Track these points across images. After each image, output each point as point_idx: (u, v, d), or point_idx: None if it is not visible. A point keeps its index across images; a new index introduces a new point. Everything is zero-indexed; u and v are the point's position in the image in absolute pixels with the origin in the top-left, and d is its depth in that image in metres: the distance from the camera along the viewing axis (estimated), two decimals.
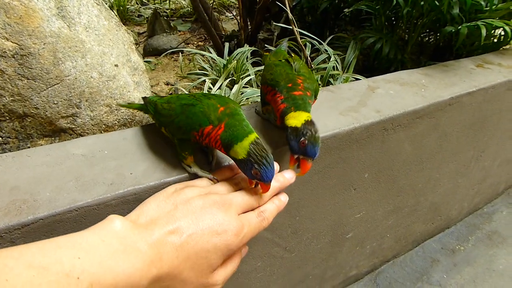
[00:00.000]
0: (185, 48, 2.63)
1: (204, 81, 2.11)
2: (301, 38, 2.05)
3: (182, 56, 2.50)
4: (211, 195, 0.84)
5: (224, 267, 0.83)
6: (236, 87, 1.83)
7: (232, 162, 1.00)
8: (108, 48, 1.43)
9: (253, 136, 0.86)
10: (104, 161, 1.03)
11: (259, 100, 1.67)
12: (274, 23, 2.46)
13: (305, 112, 1.00)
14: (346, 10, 2.58)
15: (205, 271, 0.77)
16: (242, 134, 0.86)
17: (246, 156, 0.84)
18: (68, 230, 0.90)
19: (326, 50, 2.10)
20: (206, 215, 0.78)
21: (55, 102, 1.32)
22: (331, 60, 2.03)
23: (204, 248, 0.76)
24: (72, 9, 1.35)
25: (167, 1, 3.32)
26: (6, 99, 1.27)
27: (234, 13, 3.45)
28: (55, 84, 1.30)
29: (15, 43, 1.23)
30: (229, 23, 3.24)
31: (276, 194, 0.96)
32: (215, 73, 2.20)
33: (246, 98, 1.76)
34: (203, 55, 2.38)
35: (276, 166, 0.96)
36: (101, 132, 1.43)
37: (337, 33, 2.56)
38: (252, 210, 0.89)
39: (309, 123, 0.97)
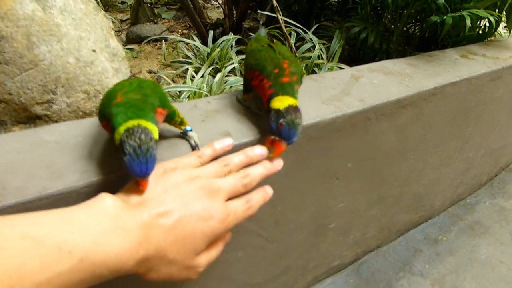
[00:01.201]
0: (169, 36, 2.58)
1: (188, 69, 2.07)
2: (286, 27, 2.02)
3: (165, 44, 2.45)
4: (200, 179, 0.86)
5: (208, 252, 0.87)
6: (219, 75, 1.80)
7: (222, 143, 1.02)
8: (85, 33, 1.39)
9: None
10: (77, 149, 0.99)
11: (241, 88, 1.65)
12: (259, 11, 2.42)
13: (292, 97, 0.99)
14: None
15: (190, 254, 0.80)
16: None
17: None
18: None
19: (311, 39, 2.08)
20: (194, 200, 0.81)
21: (30, 87, 1.28)
22: (316, 49, 2.00)
23: (191, 232, 0.79)
24: None
25: None
26: None
27: (220, 1, 3.40)
28: (29, 69, 1.26)
29: None
30: (215, 12, 3.19)
31: (262, 186, 1.00)
32: (199, 62, 2.17)
33: (230, 87, 1.73)
34: (187, 44, 2.34)
35: (263, 150, 1.00)
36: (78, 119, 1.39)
37: (323, 22, 2.53)
38: (239, 195, 0.92)
39: (293, 108, 0.97)
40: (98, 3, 2.59)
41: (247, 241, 1.40)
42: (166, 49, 2.41)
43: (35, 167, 0.92)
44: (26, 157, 0.95)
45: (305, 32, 2.12)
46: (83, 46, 1.36)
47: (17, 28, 1.22)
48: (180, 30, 2.81)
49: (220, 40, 2.17)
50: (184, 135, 1.04)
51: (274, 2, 1.90)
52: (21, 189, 0.86)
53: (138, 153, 0.74)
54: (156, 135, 0.78)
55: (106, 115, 0.82)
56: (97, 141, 1.03)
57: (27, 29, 1.23)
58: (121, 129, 0.76)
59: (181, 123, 1.01)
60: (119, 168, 0.94)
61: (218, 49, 2.04)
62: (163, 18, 2.92)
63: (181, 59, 2.25)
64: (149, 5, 2.86)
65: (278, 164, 1.02)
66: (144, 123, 0.77)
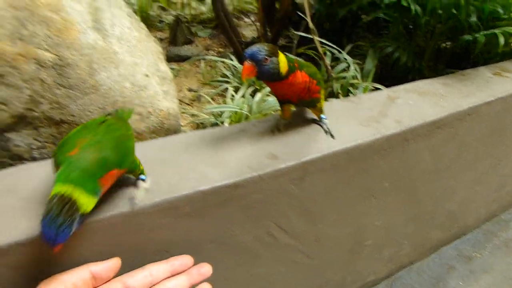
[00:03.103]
0: (207, 55, 2.69)
1: (227, 88, 2.17)
2: (321, 47, 2.10)
3: (204, 63, 2.56)
4: None
5: None
6: (259, 95, 1.89)
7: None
8: (139, 59, 1.50)
9: None
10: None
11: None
12: (293, 31, 2.51)
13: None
14: (364, 17, 2.61)
15: None
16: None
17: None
18: (116, 230, 0.97)
19: (345, 59, 2.14)
20: None
21: (90, 110, 1.39)
22: (351, 69, 2.07)
23: None
24: (106, 22, 1.41)
25: (188, 7, 3.39)
26: (45, 106, 1.34)
27: (252, 19, 3.50)
28: (90, 93, 1.37)
29: (54, 54, 1.30)
30: (248, 29, 3.29)
31: None
32: (236, 80, 2.26)
33: (269, 107, 1.81)
34: (224, 62, 2.44)
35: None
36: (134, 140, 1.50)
37: (355, 40, 2.60)
38: None
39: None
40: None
41: (289, 256, 1.46)
42: (204, 67, 2.52)
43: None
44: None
45: (339, 52, 2.19)
46: (137, 71, 1.47)
47: (81, 56, 1.33)
48: (216, 48, 2.92)
49: None
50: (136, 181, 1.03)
51: (310, 24, 1.98)
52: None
53: (51, 222, 0.73)
54: (86, 208, 0.79)
55: (57, 163, 0.83)
56: (157, 160, 1.12)
57: (90, 57, 1.35)
58: (54, 189, 0.76)
59: (141, 173, 1.01)
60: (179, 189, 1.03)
61: None
62: (199, 36, 3.05)
63: (220, 78, 2.35)
64: (186, 24, 2.98)
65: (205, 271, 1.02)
66: (77, 194, 0.76)
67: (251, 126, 1.35)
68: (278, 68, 1.08)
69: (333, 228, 1.52)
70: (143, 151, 1.15)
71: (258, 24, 3.25)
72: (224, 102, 2.07)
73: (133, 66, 1.46)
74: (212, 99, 2.20)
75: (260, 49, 1.05)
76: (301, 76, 1.18)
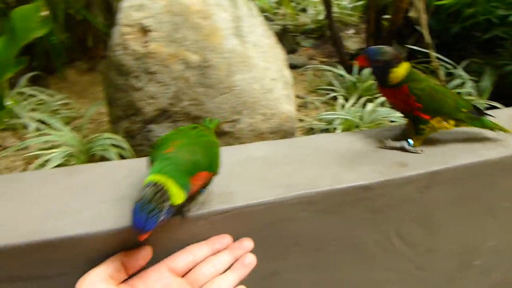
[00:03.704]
0: (313, 64, 2.78)
1: (334, 97, 2.23)
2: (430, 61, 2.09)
3: (309, 71, 2.64)
4: None
5: None
6: (370, 105, 1.92)
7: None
8: (269, 64, 1.61)
9: None
10: (278, 165, 1.18)
11: (393, 120, 1.76)
12: (406, 45, 2.51)
13: None
14: (479, 34, 2.54)
15: None
16: None
17: None
18: (258, 217, 1.06)
19: (460, 75, 2.11)
20: None
21: (223, 108, 1.51)
22: (467, 85, 2.03)
23: None
24: (245, 29, 1.54)
25: (292, 18, 3.51)
26: (185, 102, 1.49)
27: (353, 31, 3.54)
28: (225, 93, 1.49)
29: (200, 56, 1.45)
30: (349, 41, 3.33)
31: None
32: (343, 90, 2.31)
33: (382, 117, 1.84)
34: (331, 71, 2.50)
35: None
36: (255, 138, 1.60)
37: (467, 57, 2.53)
38: None
39: None
40: None
41: (400, 265, 1.48)
42: (310, 76, 2.60)
43: (249, 178, 1.11)
44: (241, 169, 1.15)
45: (454, 67, 2.15)
46: (266, 75, 1.58)
47: (222, 59, 1.46)
48: (319, 58, 3.00)
49: (367, 70, 2.29)
50: None
51: (428, 38, 1.98)
52: (243, 194, 1.05)
53: (143, 207, 0.75)
54: (176, 200, 0.80)
55: (152, 160, 0.86)
56: (294, 160, 1.20)
57: (229, 60, 1.47)
58: (148, 178, 0.79)
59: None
60: (318, 184, 1.10)
61: (371, 81, 2.16)
62: (303, 46, 3.14)
63: (325, 86, 2.41)
64: (291, 34, 3.09)
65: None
66: (170, 183, 0.79)
67: (377, 133, 1.39)
68: (387, 74, 1.09)
69: (446, 241, 1.51)
70: (275, 149, 1.24)
71: (362, 36, 3.29)
72: (332, 110, 2.13)
73: (264, 70, 1.57)
74: (318, 106, 2.27)
75: (380, 51, 1.07)
76: (403, 90, 1.18)
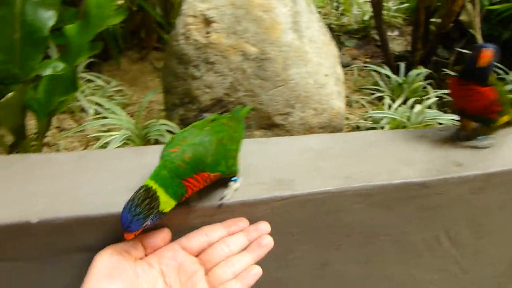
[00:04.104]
0: (356, 64, 2.78)
1: (378, 97, 2.23)
2: None
3: (353, 70, 2.65)
4: None
5: None
6: (419, 107, 1.92)
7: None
8: (323, 60, 1.63)
9: None
10: (335, 157, 1.20)
11: (441, 122, 1.76)
12: (456, 49, 2.48)
13: None
14: None
15: None
16: None
17: None
18: (316, 206, 1.09)
19: None
20: None
21: (277, 101, 1.54)
22: None
23: None
24: (303, 24, 1.57)
25: (336, 17, 3.52)
26: (240, 93, 1.53)
27: (397, 33, 3.52)
28: (280, 86, 1.53)
29: (259, 49, 1.48)
30: (393, 43, 3.31)
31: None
32: (388, 91, 2.31)
33: (430, 119, 1.83)
34: (375, 71, 2.50)
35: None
36: (305, 131, 1.63)
37: None
38: None
39: None
40: None
41: (445, 265, 1.48)
42: (352, 75, 2.61)
43: (307, 168, 1.15)
44: (298, 159, 1.19)
45: (506, 73, 2.12)
46: (320, 71, 1.60)
47: (280, 52, 1.49)
48: (362, 58, 3.00)
49: (412, 72, 2.28)
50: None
51: (480, 41, 1.96)
52: (304, 183, 1.08)
53: (131, 209, 0.78)
54: (164, 208, 0.82)
55: (161, 156, 0.89)
56: (348, 153, 1.23)
57: (286, 54, 1.50)
58: (146, 181, 0.82)
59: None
60: (374, 178, 1.12)
61: (419, 82, 2.16)
62: (346, 46, 3.15)
63: (370, 86, 2.42)
64: (335, 33, 3.10)
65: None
66: (160, 192, 0.81)
67: (431, 133, 1.39)
68: (488, 73, 1.13)
69: (495, 245, 1.50)
70: (331, 142, 1.27)
71: (406, 38, 3.28)
72: (377, 110, 2.13)
73: (318, 66, 1.59)
74: (362, 105, 2.27)
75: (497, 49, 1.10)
76: (491, 91, 1.20)
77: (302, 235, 1.15)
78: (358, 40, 3.30)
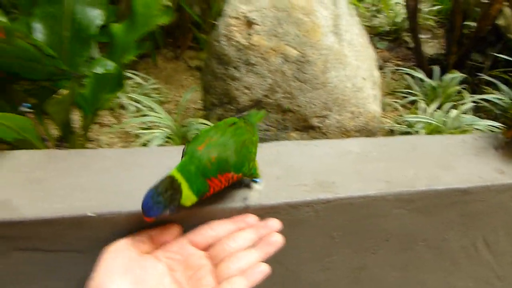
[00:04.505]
0: (388, 67, 2.77)
1: (412, 101, 2.22)
2: None
3: (385, 73, 2.64)
4: None
5: None
6: (455, 112, 1.90)
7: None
8: (361, 63, 1.63)
9: None
10: (375, 161, 1.21)
11: (478, 128, 1.74)
12: (492, 53, 2.45)
13: None
14: None
15: None
16: None
17: None
18: (357, 210, 1.10)
19: None
20: None
21: (315, 103, 1.56)
22: None
23: None
24: (342, 27, 1.57)
25: (367, 19, 3.49)
26: (279, 95, 1.55)
27: (429, 36, 3.48)
28: (318, 89, 1.54)
29: (299, 51, 1.50)
30: (425, 45, 3.27)
31: None
32: (422, 95, 2.29)
33: (467, 125, 1.82)
34: (408, 74, 2.48)
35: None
36: (341, 134, 1.64)
37: None
38: None
39: None
40: None
41: (482, 274, 1.47)
42: (384, 78, 2.59)
43: (347, 171, 1.16)
44: (338, 161, 1.20)
45: None
46: (358, 74, 1.61)
47: (320, 55, 1.51)
48: (394, 61, 2.98)
49: (449, 76, 2.26)
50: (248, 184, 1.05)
51: None
52: (344, 185, 1.10)
53: (153, 196, 0.80)
54: (185, 202, 0.84)
55: (185, 153, 0.90)
56: (387, 158, 1.23)
57: (326, 57, 1.52)
58: (172, 172, 0.84)
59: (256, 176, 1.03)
60: (416, 184, 1.13)
61: (455, 87, 2.14)
62: (377, 48, 3.13)
63: (403, 89, 2.40)
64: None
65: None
66: (184, 186, 0.83)
67: (470, 139, 1.39)
68: None
69: None
70: (371, 146, 1.28)
71: (439, 41, 3.24)
72: (410, 113, 2.12)
73: (356, 69, 1.60)
74: (395, 109, 2.26)
75: None
76: None
77: (341, 238, 1.16)
78: (389, 42, 3.28)
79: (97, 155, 1.17)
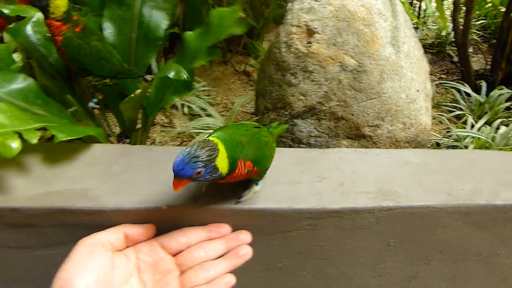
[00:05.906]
0: (433, 80, 2.76)
1: (457, 115, 2.22)
2: None
3: (432, 86, 2.63)
4: None
5: None
6: (504, 128, 1.89)
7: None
8: (416, 75, 1.65)
9: None
10: (435, 173, 1.23)
11: None
12: None
13: None
14: None
15: None
16: None
17: None
18: (417, 219, 1.12)
19: None
20: None
21: (368, 113, 1.58)
22: None
23: None
24: (400, 39, 1.60)
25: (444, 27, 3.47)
26: (333, 103, 1.58)
27: (471, 50, 3.44)
28: (373, 98, 1.56)
29: (356, 61, 1.53)
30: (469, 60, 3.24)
31: None
32: (467, 110, 2.28)
33: None
34: (455, 88, 2.47)
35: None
36: (391, 145, 1.66)
37: None
38: None
39: None
40: None
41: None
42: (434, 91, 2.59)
43: (409, 181, 1.18)
44: (399, 171, 1.22)
45: None
46: (412, 86, 1.62)
47: (377, 66, 1.53)
48: (438, 74, 2.97)
49: (497, 92, 2.25)
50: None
51: None
52: (407, 195, 1.12)
53: (190, 151, 0.76)
54: (222, 169, 0.82)
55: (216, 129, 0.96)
56: (446, 170, 1.25)
57: (382, 68, 1.54)
58: (209, 138, 0.85)
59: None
60: (475, 198, 1.14)
61: (506, 103, 2.12)
62: None
63: (448, 103, 2.40)
64: None
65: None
66: (221, 149, 0.81)
67: None
68: None
69: None
70: (429, 158, 1.30)
71: (482, 55, 3.21)
72: (456, 128, 2.12)
73: (411, 81, 1.62)
74: (440, 122, 2.26)
75: None
76: None
77: (397, 246, 1.19)
78: (432, 55, 3.26)
79: (164, 152, 1.23)
